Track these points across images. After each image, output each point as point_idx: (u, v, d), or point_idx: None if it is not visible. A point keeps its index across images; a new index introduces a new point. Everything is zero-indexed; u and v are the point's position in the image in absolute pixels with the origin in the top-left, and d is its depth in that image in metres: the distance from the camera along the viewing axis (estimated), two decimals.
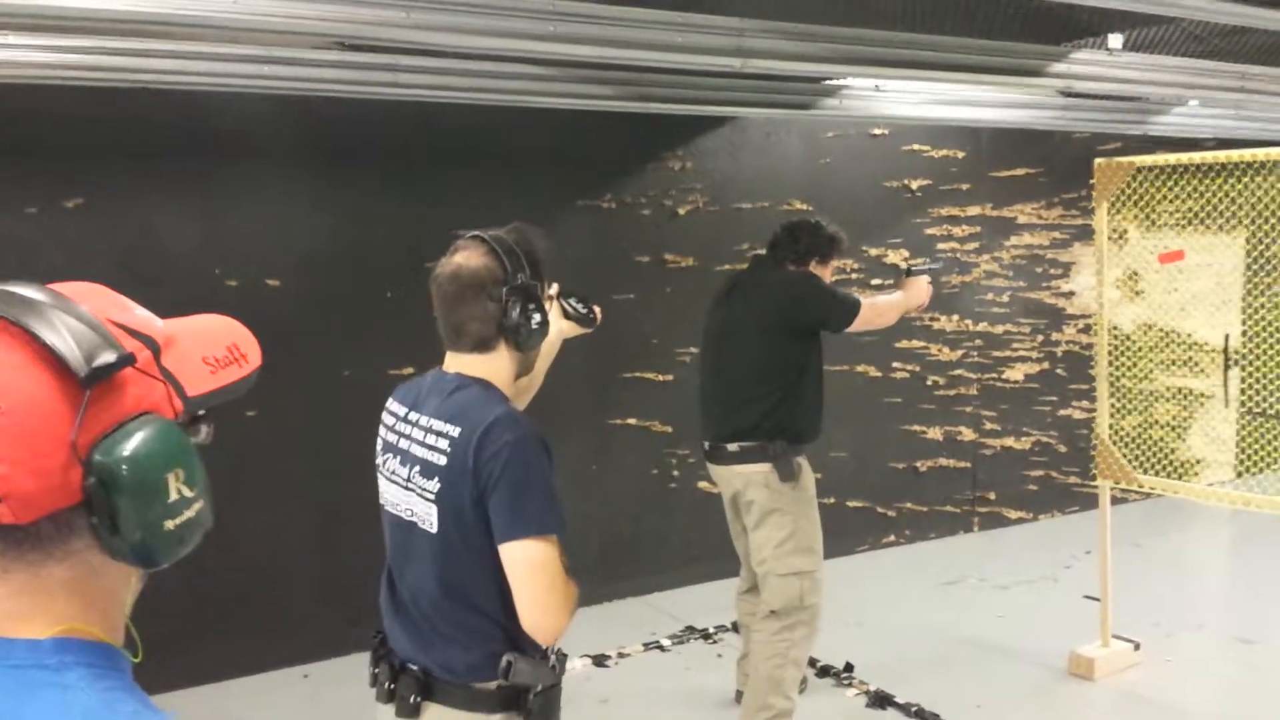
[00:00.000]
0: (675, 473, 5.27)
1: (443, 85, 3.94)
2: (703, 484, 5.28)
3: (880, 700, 3.99)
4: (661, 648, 4.58)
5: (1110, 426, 4.47)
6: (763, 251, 3.80)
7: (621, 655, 4.50)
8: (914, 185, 5.84)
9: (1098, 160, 4.13)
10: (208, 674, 4.24)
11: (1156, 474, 4.69)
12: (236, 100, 4.16)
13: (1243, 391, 5.06)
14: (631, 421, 5.10)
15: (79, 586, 0.85)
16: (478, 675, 1.83)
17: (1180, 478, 6.29)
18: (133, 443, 0.82)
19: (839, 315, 3.53)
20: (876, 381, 5.82)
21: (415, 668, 1.87)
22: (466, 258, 1.90)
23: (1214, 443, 7.21)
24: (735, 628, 4.33)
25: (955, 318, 6.05)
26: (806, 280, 3.59)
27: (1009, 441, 6.28)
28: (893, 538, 5.94)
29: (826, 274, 3.69)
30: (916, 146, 5.82)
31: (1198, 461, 7.25)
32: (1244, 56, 4.65)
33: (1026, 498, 6.39)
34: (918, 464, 5.99)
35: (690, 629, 4.76)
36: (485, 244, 1.90)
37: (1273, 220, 4.36)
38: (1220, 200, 4.26)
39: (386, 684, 1.92)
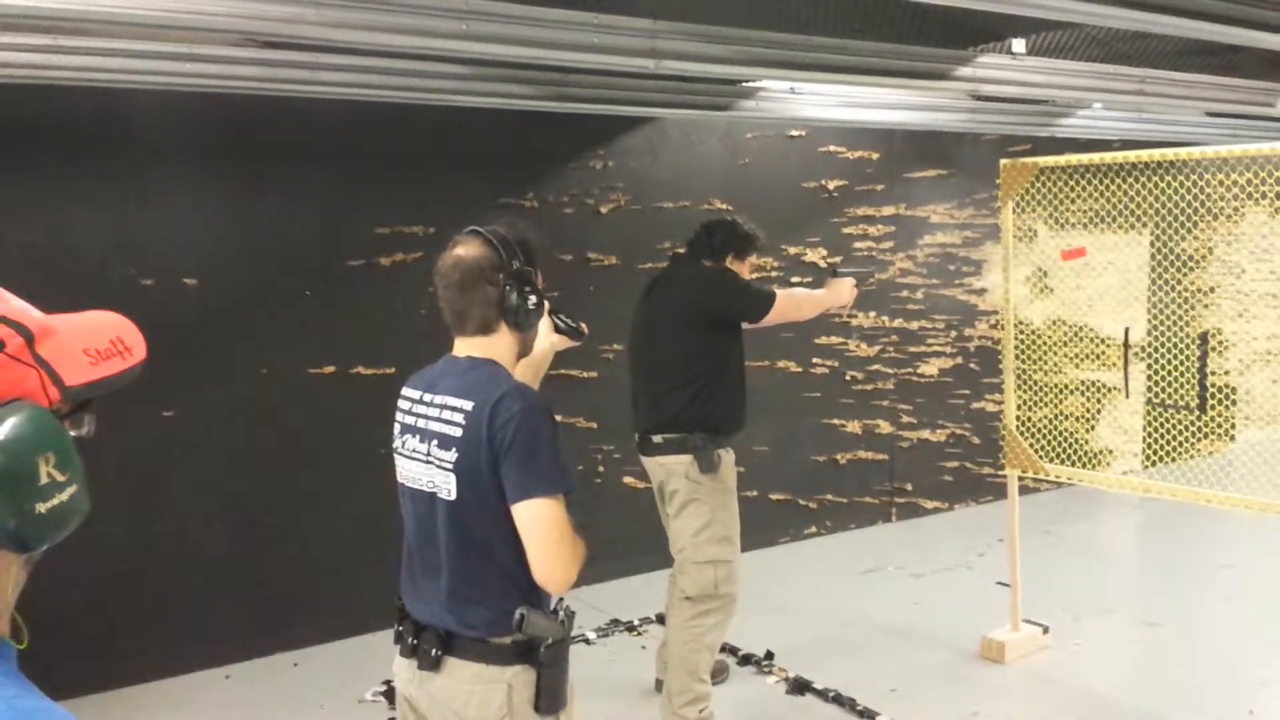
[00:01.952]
0: (601, 468, 5.33)
1: (363, 84, 3.94)
2: (628, 479, 5.35)
3: (799, 686, 4.09)
4: (587, 641, 4.64)
5: (1021, 419, 4.63)
6: (682, 250, 3.90)
7: None
8: (830, 186, 5.98)
9: (1003, 161, 4.29)
10: (126, 677, 4.19)
11: (1068, 464, 4.85)
12: (153, 98, 4.12)
13: (1148, 384, 5.28)
14: (556, 418, 5.13)
15: None
16: (495, 630, 1.99)
17: (1091, 468, 6.54)
18: (2, 428, 0.83)
19: (753, 306, 3.63)
20: (796, 377, 5.95)
21: (436, 626, 2.03)
22: (466, 249, 2.08)
23: (1122, 434, 7.50)
24: (660, 619, 4.41)
25: (872, 314, 6.20)
26: (720, 274, 3.71)
27: (925, 434, 6.45)
28: (814, 529, 6.07)
29: (744, 270, 3.79)
30: (833, 148, 5.96)
31: (1107, 452, 7.54)
32: (1145, 60, 4.84)
33: (942, 488, 6.57)
34: (837, 457, 6.13)
35: (615, 621, 4.82)
36: (481, 236, 2.09)
37: (1176, 219, 4.56)
38: (1125, 200, 4.44)
39: (410, 639, 2.07)
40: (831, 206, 6.00)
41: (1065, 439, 5.09)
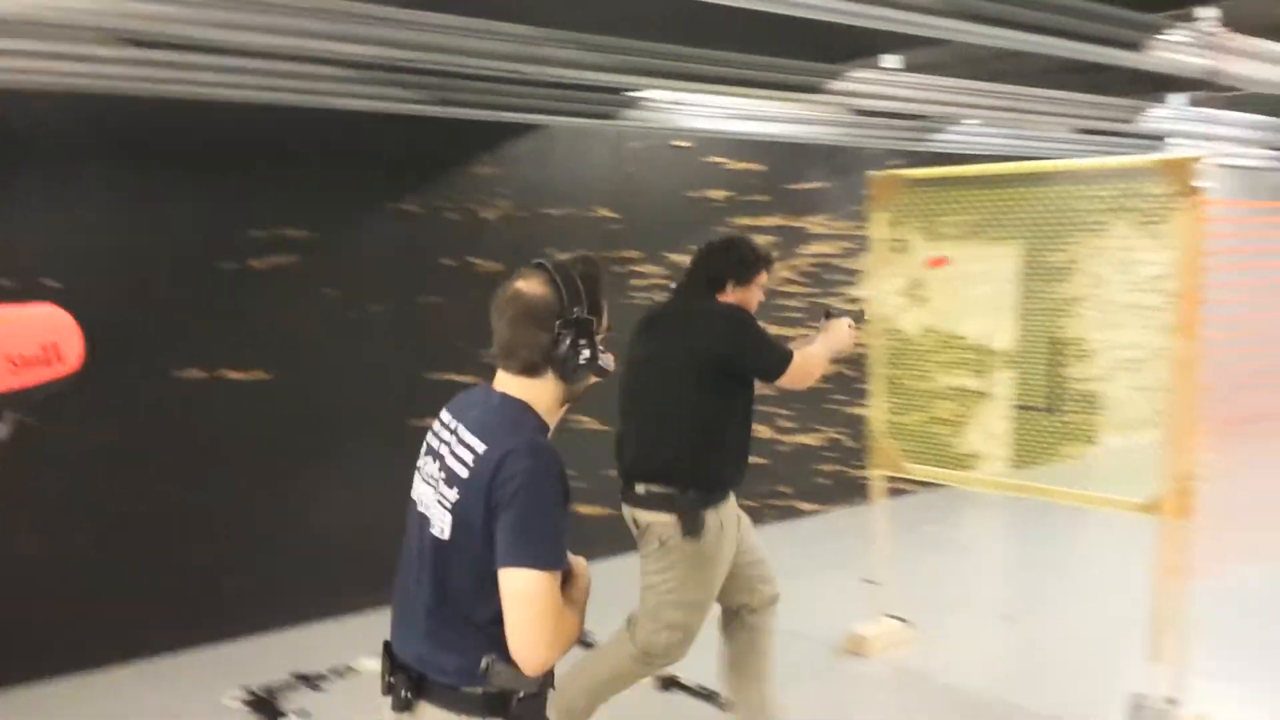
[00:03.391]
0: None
1: (241, 84, 3.88)
2: None
3: (668, 683, 4.16)
4: None
5: (894, 423, 4.80)
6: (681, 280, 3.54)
7: None
8: (715, 196, 6.09)
9: (871, 174, 4.44)
10: None
11: (941, 466, 5.04)
12: (18, 95, 3.97)
13: (1018, 390, 5.52)
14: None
15: None
16: (465, 679, 1.88)
17: (962, 470, 6.80)
18: None
19: (767, 367, 3.26)
20: None
21: (411, 666, 1.93)
22: (528, 284, 1.96)
23: (990, 438, 7.80)
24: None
25: None
26: (738, 319, 3.30)
27: (803, 438, 6.62)
28: None
29: (753, 296, 3.43)
30: (717, 159, 6.08)
31: (976, 454, 7.84)
32: (1019, 79, 5.04)
33: (819, 491, 6.75)
34: None
35: None
36: (547, 273, 1.96)
37: (1044, 232, 4.78)
38: (996, 213, 4.62)
39: (388, 677, 1.97)
40: (716, 216, 6.12)
41: (936, 442, 5.30)
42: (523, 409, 1.95)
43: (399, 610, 2.02)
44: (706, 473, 3.22)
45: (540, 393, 1.96)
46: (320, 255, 4.73)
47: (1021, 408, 5.25)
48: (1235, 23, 3.40)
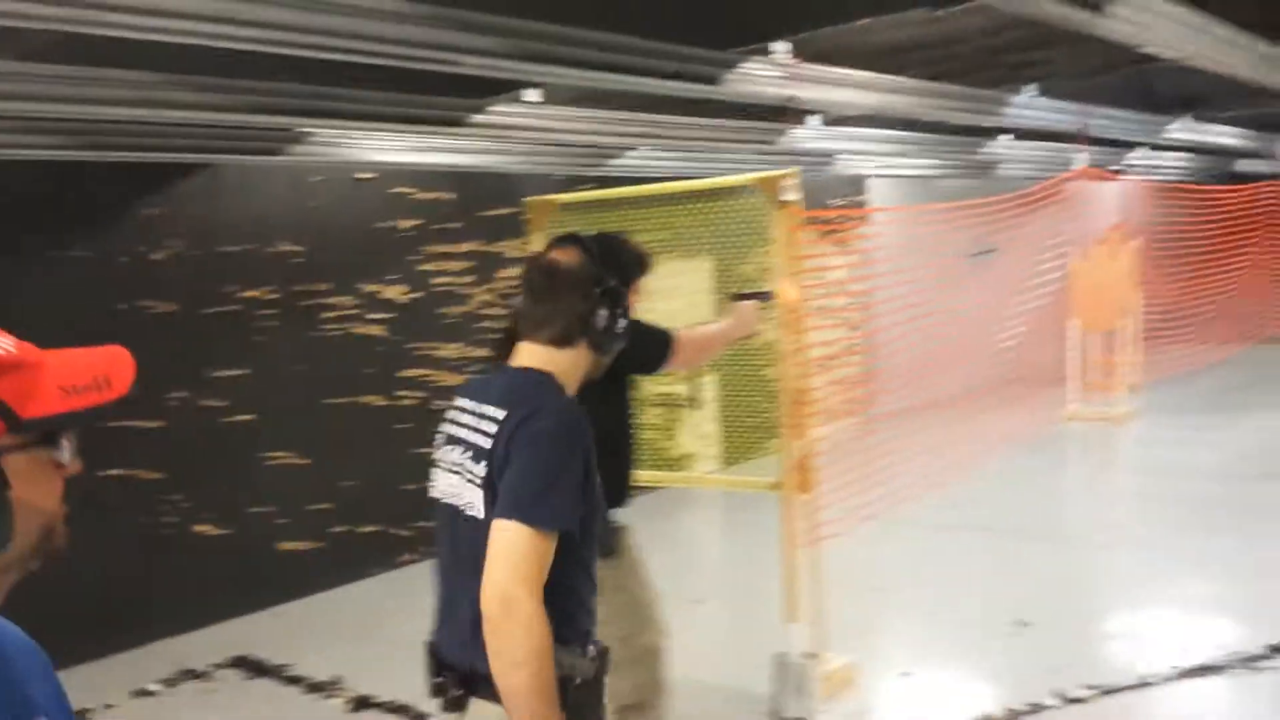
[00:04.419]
0: (170, 519, 5.24)
1: None
2: (200, 527, 5.31)
3: (360, 703, 4.28)
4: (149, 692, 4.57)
5: None
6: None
7: (109, 707, 4.44)
8: (404, 225, 6.25)
9: (527, 199, 4.72)
10: None
11: (658, 469, 5.34)
12: None
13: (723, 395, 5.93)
14: (116, 472, 5.02)
15: None
16: None
17: (677, 471, 7.22)
18: None
19: (647, 355, 3.00)
20: (384, 410, 6.14)
21: (459, 664, 1.86)
22: (565, 255, 2.00)
23: (701, 439, 8.32)
24: (241, 663, 4.42)
25: (456, 345, 6.53)
26: None
27: None
28: (408, 556, 6.27)
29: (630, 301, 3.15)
30: (404, 189, 6.24)
31: (689, 456, 8.34)
32: (675, 108, 5.43)
33: None
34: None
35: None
36: (581, 244, 2.02)
37: (732, 244, 5.14)
38: (682, 229, 4.96)
39: (435, 678, 1.92)
40: (407, 244, 6.28)
41: (650, 447, 5.64)
42: (545, 376, 1.92)
43: (442, 611, 1.98)
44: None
45: (565, 363, 1.94)
46: None
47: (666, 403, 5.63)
48: (806, 53, 3.89)
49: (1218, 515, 6.33)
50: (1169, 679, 4.17)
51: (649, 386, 6.93)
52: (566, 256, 2.02)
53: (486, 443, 1.83)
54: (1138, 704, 4.03)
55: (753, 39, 3.88)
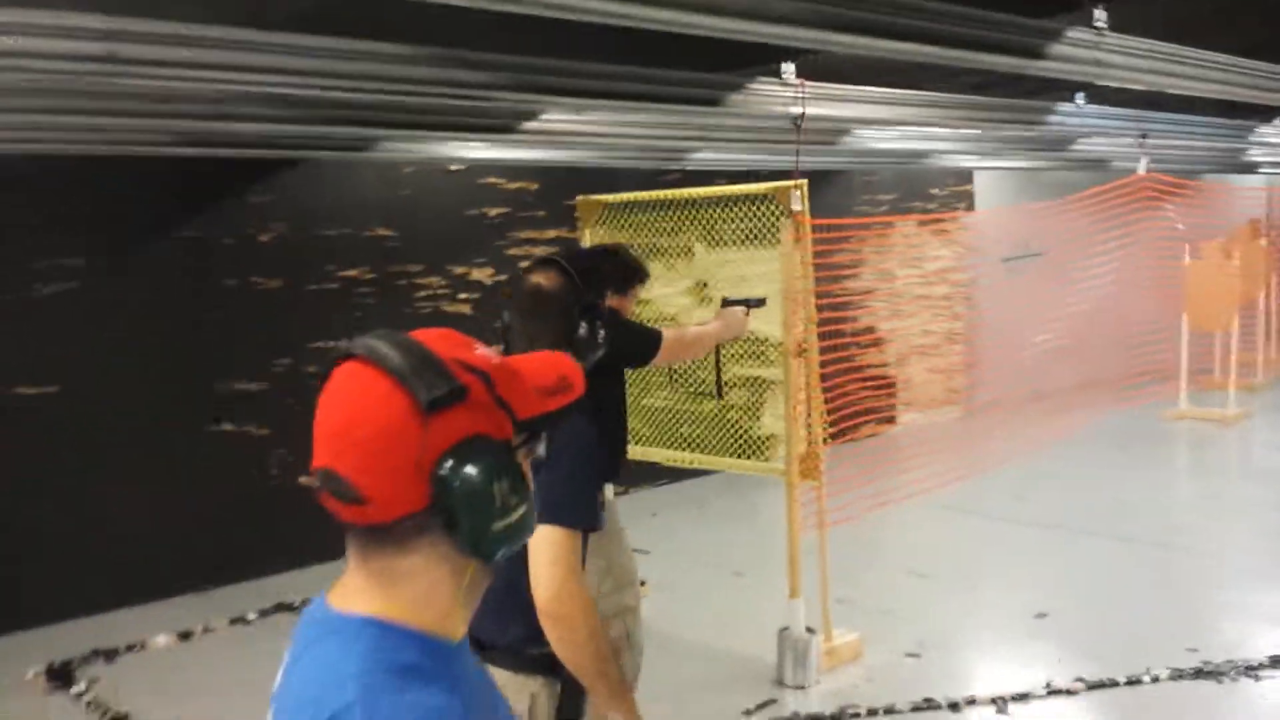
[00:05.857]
0: (275, 471, 5.94)
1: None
2: (302, 478, 5.97)
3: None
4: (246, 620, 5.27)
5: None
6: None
7: (208, 630, 5.16)
8: (492, 213, 6.76)
9: (579, 198, 5.12)
10: None
11: (737, 451, 5.61)
12: None
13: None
14: (228, 427, 5.74)
15: (418, 576, 1.04)
16: (522, 644, 2.02)
17: (761, 455, 7.52)
18: (465, 459, 0.99)
19: (638, 349, 3.33)
20: None
21: (473, 636, 2.18)
22: (545, 278, 2.20)
23: (783, 420, 8.55)
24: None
25: None
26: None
27: None
28: None
29: (627, 305, 3.44)
30: (492, 180, 6.74)
31: (773, 437, 8.59)
32: None
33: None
34: None
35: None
36: (558, 266, 2.21)
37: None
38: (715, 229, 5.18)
39: None
40: (495, 231, 6.78)
41: (735, 427, 5.94)
42: None
43: None
44: None
45: None
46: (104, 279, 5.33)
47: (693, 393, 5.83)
48: (810, 72, 4.09)
49: None
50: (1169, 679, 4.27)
51: (736, 369, 7.25)
52: (548, 280, 2.22)
53: None
54: (1129, 699, 4.17)
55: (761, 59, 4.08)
